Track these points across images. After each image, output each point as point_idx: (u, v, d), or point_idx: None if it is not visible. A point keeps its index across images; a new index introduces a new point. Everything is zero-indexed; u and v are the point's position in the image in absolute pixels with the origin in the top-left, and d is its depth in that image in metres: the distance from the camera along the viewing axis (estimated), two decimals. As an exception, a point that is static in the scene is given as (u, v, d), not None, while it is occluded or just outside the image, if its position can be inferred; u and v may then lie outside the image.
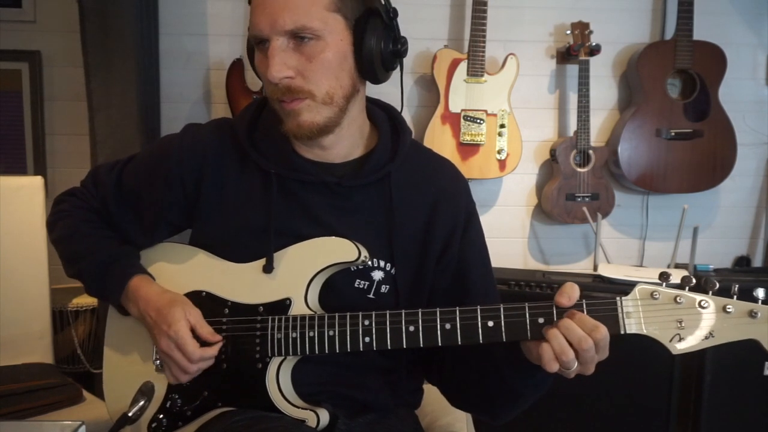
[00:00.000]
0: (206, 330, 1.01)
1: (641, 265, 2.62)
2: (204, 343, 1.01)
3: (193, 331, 1.01)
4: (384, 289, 1.06)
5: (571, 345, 0.86)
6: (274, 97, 0.99)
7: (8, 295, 1.67)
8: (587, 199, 2.43)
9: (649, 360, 2.00)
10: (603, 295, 1.82)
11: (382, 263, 1.06)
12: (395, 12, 1.03)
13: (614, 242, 2.62)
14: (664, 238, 2.60)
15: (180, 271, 1.10)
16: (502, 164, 2.40)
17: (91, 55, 2.09)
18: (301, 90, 0.97)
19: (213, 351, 1.00)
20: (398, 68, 1.08)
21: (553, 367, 0.87)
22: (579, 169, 2.43)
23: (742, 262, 2.65)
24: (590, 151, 2.43)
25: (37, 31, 2.38)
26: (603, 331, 0.86)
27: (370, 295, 1.05)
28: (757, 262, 2.67)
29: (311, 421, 0.97)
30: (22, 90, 2.38)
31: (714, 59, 2.40)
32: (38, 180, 1.75)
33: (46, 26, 2.39)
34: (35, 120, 2.39)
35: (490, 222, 2.56)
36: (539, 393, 1.00)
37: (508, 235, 2.61)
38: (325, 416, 0.98)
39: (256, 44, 1.00)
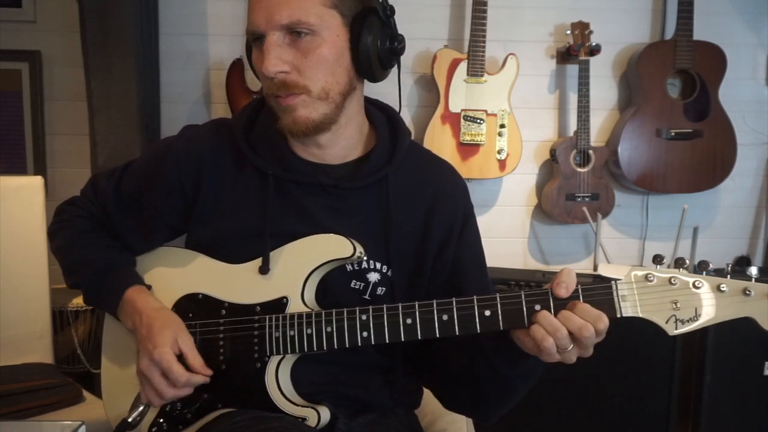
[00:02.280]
0: (198, 362, 1.00)
1: (641, 265, 2.62)
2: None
3: (183, 358, 1.00)
4: (380, 291, 1.06)
5: (572, 333, 0.86)
6: (270, 93, 1.00)
7: (8, 295, 1.67)
8: (587, 199, 2.43)
9: (649, 359, 2.01)
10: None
11: (378, 265, 1.06)
12: (392, 10, 1.03)
13: (614, 242, 2.62)
14: (664, 238, 2.60)
15: (176, 274, 1.10)
16: (502, 164, 2.40)
17: (91, 55, 2.09)
18: (297, 85, 0.97)
19: (200, 379, 0.99)
20: (396, 67, 1.08)
21: (547, 340, 0.86)
22: (579, 169, 2.43)
23: (742, 262, 2.65)
24: (590, 151, 2.42)
25: (37, 31, 2.39)
26: (605, 321, 0.86)
27: (366, 296, 1.05)
28: (757, 262, 2.67)
29: (312, 419, 0.97)
30: (22, 90, 2.38)
31: (714, 59, 2.40)
32: (38, 180, 1.75)
33: (46, 26, 2.39)
34: (35, 120, 2.39)
35: (490, 222, 2.56)
36: (530, 383, 0.99)
37: (508, 235, 2.61)
38: (326, 414, 0.98)
39: (253, 41, 1.00)
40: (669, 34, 2.48)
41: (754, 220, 2.66)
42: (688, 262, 0.88)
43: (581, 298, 0.88)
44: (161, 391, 0.98)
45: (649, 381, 2.03)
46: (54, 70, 2.41)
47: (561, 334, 0.86)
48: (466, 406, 1.13)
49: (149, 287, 1.10)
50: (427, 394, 1.22)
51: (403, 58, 1.09)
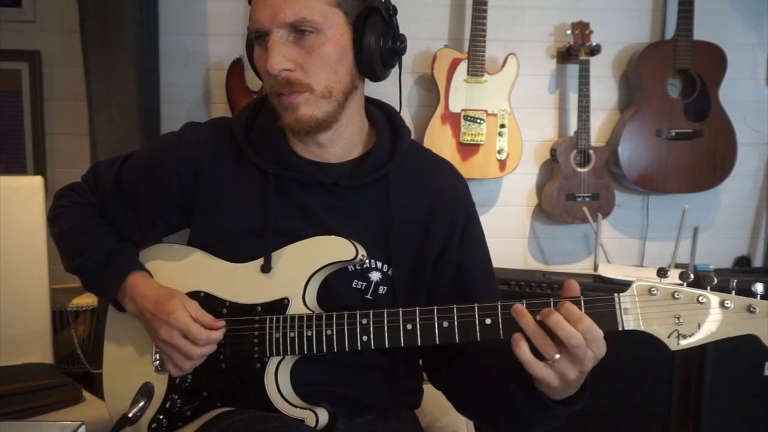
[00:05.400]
0: (207, 318, 1.01)
1: (641, 265, 2.62)
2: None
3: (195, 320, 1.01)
4: (381, 290, 1.06)
5: (562, 341, 0.83)
6: (273, 91, 1.00)
7: (8, 295, 1.67)
8: (587, 199, 2.43)
9: (649, 360, 2.00)
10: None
11: (379, 264, 1.06)
12: (395, 10, 1.04)
13: (614, 242, 2.61)
14: (665, 238, 2.59)
15: (178, 271, 1.10)
16: (502, 164, 2.40)
17: (91, 55, 2.09)
18: (300, 83, 0.97)
19: (218, 334, 1.00)
20: (397, 66, 1.08)
21: (535, 365, 0.84)
22: (579, 169, 2.43)
23: (742, 262, 2.65)
24: (590, 151, 2.42)
25: (37, 31, 2.38)
26: (587, 324, 0.83)
27: (368, 296, 1.05)
28: (757, 262, 2.67)
29: (310, 421, 0.97)
30: (22, 90, 2.38)
31: (714, 59, 2.40)
32: (38, 180, 1.75)
33: (46, 26, 2.39)
34: (35, 120, 2.39)
35: (490, 222, 2.56)
36: (550, 426, 0.96)
37: (508, 235, 2.61)
38: (324, 416, 0.98)
39: (256, 39, 1.00)
40: (669, 34, 2.48)
41: (754, 220, 2.66)
42: (692, 276, 0.86)
43: (583, 309, 0.87)
44: (188, 352, 0.98)
45: (649, 380, 2.03)
46: (54, 70, 2.41)
47: (543, 342, 0.84)
48: (480, 420, 1.12)
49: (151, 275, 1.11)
50: (428, 394, 1.21)
51: (403, 57, 1.09)
